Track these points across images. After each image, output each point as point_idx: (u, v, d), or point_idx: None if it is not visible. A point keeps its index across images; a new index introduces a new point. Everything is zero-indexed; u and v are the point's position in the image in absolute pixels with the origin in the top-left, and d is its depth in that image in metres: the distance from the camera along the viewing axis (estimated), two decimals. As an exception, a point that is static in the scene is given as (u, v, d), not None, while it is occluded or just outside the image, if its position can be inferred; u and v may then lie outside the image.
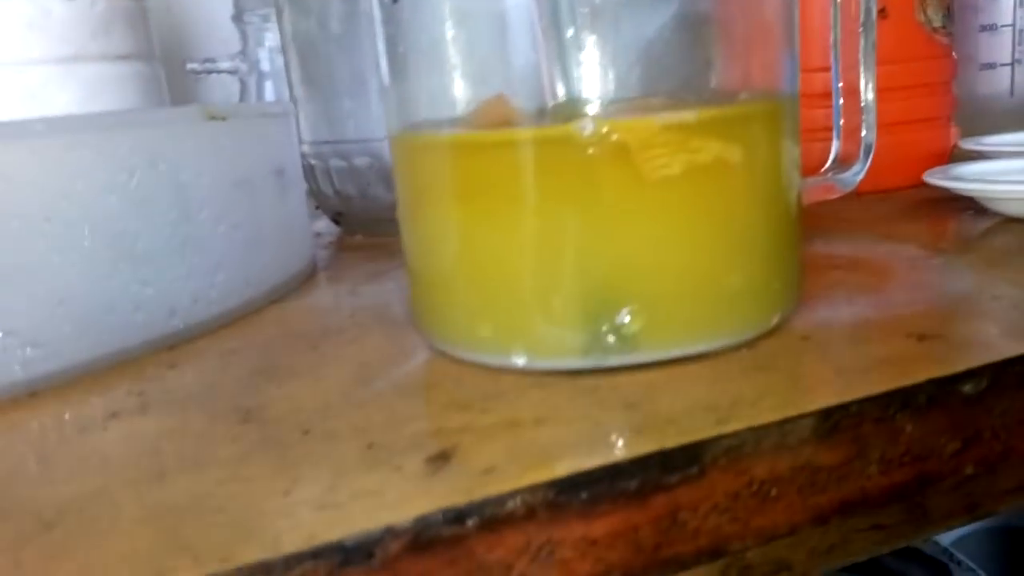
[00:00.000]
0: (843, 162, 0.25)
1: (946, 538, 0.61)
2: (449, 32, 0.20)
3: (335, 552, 0.12)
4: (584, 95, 0.18)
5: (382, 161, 0.37)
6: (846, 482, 0.16)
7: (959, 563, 0.56)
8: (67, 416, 0.19)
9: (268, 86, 0.64)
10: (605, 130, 0.16)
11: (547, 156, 0.17)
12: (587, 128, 0.16)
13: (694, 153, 0.16)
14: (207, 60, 0.63)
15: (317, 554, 0.12)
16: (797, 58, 0.19)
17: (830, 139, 0.25)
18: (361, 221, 0.41)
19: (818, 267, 0.25)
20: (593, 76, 0.19)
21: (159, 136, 0.24)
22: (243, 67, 0.64)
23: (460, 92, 0.20)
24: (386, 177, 0.38)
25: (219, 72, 0.64)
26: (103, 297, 0.22)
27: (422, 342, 0.22)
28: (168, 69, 0.54)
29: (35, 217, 0.21)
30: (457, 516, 0.13)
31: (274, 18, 0.64)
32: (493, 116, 0.19)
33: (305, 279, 0.32)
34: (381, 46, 0.20)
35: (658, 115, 0.16)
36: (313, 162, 0.40)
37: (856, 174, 0.24)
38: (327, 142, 0.39)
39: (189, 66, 0.63)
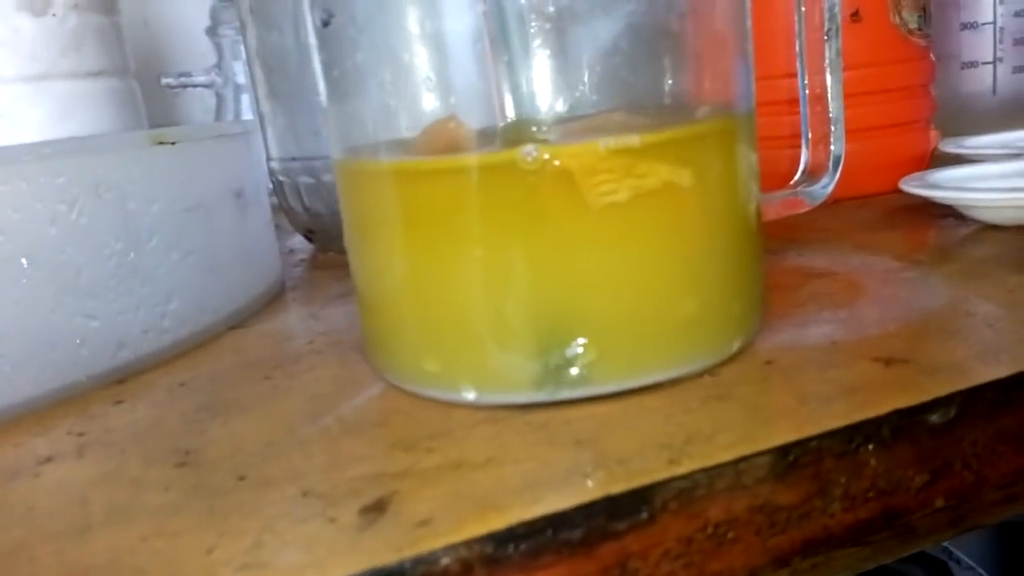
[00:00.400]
0: (812, 172, 0.24)
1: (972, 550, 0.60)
2: (391, 51, 0.19)
3: (251, 621, 0.12)
4: (535, 113, 0.17)
5: (351, 177, 0.37)
6: (807, 521, 0.15)
7: (959, 561, 0.56)
8: (4, 461, 0.18)
9: (245, 99, 0.63)
10: (547, 156, 0.15)
11: (490, 183, 0.16)
12: (529, 155, 0.15)
13: (641, 178, 0.16)
14: (182, 74, 0.63)
15: (231, 623, 0.11)
16: (752, 69, 0.19)
17: (798, 147, 0.25)
18: (331, 237, 0.40)
19: (789, 282, 0.25)
20: (544, 93, 0.18)
21: (103, 163, 0.23)
22: (219, 80, 0.63)
23: (406, 112, 0.19)
24: (355, 193, 0.37)
25: (194, 86, 0.63)
26: (45, 333, 0.21)
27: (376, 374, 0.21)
28: (145, 84, 0.54)
29: (-31, 252, 0.20)
30: (386, 576, 0.12)
31: (250, 30, 0.63)
32: (442, 137, 0.18)
33: (271, 299, 0.31)
34: (318, 69, 0.19)
35: (601, 140, 0.15)
36: (282, 178, 0.39)
37: (824, 187, 0.23)
38: (294, 158, 0.38)
39: (164, 81, 0.62)
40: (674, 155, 0.16)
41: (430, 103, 0.19)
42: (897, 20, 0.36)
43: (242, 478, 0.16)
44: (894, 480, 0.15)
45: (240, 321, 0.28)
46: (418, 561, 0.12)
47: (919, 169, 0.35)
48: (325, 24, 0.17)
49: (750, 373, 0.18)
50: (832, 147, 0.24)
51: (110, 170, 0.23)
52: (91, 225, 0.22)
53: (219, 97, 0.63)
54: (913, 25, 0.36)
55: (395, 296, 0.18)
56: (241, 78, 0.63)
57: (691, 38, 0.18)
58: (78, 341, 0.22)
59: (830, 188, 0.23)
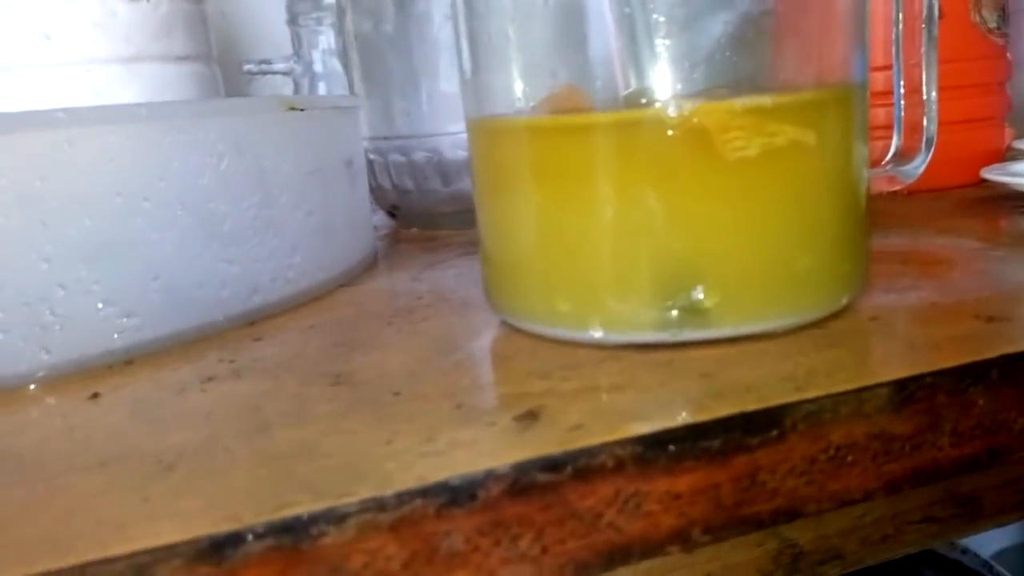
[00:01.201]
0: (903, 156, 0.25)
1: (986, 551, 0.60)
2: (524, 25, 0.21)
3: (442, 491, 0.13)
4: (651, 88, 0.19)
5: (440, 156, 0.39)
6: (919, 452, 0.16)
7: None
8: (165, 380, 0.20)
9: (321, 87, 0.66)
10: (687, 112, 0.17)
11: (627, 139, 0.18)
12: (671, 110, 0.17)
13: (770, 136, 0.17)
14: (263, 61, 0.65)
15: (426, 493, 0.13)
16: (867, 50, 0.20)
17: (889, 137, 0.26)
18: (416, 214, 0.42)
19: (879, 258, 0.26)
20: (663, 69, 0.19)
21: (244, 124, 0.25)
22: (297, 68, 0.66)
23: (533, 82, 0.21)
24: (443, 172, 0.39)
25: (274, 73, 0.66)
26: (194, 273, 0.23)
27: (493, 320, 0.23)
28: (223, 71, 0.56)
29: (135, 196, 0.22)
30: (552, 464, 0.14)
31: (327, 21, 0.66)
32: (563, 105, 0.20)
33: (368, 267, 0.33)
34: (464, 37, 0.21)
35: (737, 99, 0.17)
36: (372, 157, 0.41)
37: (918, 166, 0.25)
38: (386, 137, 0.40)
39: (245, 67, 0.65)
40: (800, 116, 0.17)
41: (558, 73, 0.20)
42: (977, 19, 0.37)
43: (397, 394, 0.18)
44: (999, 420, 0.17)
45: (348, 280, 0.30)
46: (581, 452, 0.14)
47: (994, 163, 0.36)
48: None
49: (857, 326, 0.19)
50: (925, 129, 0.25)
51: (250, 130, 0.25)
52: (234, 179, 0.24)
53: (296, 84, 0.66)
54: (992, 24, 0.37)
55: (530, 242, 0.19)
56: (318, 66, 0.65)
57: (810, 22, 0.19)
58: (220, 283, 0.24)
59: (923, 166, 0.24)
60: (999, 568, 0.55)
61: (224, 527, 0.12)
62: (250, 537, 0.12)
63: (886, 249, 0.27)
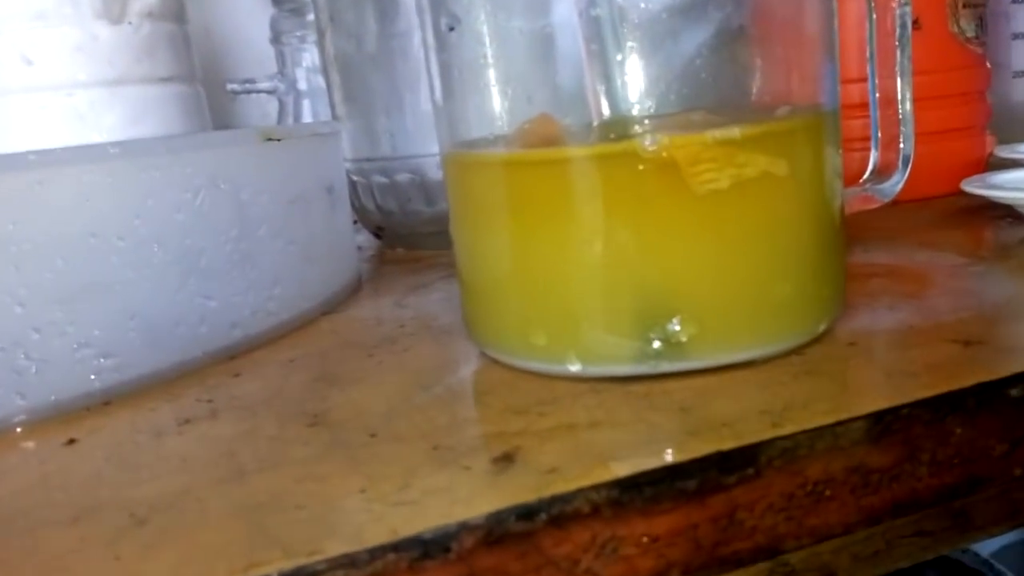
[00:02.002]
0: (881, 172, 0.25)
1: (986, 549, 0.60)
2: (498, 55, 0.21)
3: (415, 546, 0.13)
4: (625, 112, 0.19)
5: (423, 177, 0.39)
6: (897, 483, 0.16)
7: (1000, 574, 0.56)
8: (142, 423, 0.20)
9: (305, 105, 0.66)
10: (657, 146, 0.17)
11: (599, 172, 0.18)
12: (650, 144, 0.17)
13: (741, 167, 0.17)
14: (247, 80, 0.65)
15: (398, 547, 0.13)
16: (837, 71, 0.20)
17: (867, 150, 0.26)
18: (401, 235, 0.42)
19: (858, 275, 0.26)
20: (636, 93, 0.19)
21: (220, 157, 0.25)
22: (281, 87, 0.66)
23: (507, 111, 0.21)
24: (426, 193, 0.39)
25: (258, 92, 0.66)
26: (171, 310, 0.23)
27: (473, 350, 0.23)
28: (207, 90, 0.56)
29: (110, 235, 0.22)
30: (527, 512, 0.14)
31: (311, 39, 0.65)
32: (538, 134, 0.20)
33: (352, 292, 0.33)
34: (435, 70, 0.21)
35: (705, 132, 0.17)
36: (355, 178, 0.41)
37: (895, 184, 0.25)
38: (369, 159, 0.40)
39: (229, 87, 0.65)
40: (771, 146, 0.17)
41: (532, 101, 0.20)
42: (955, 28, 0.37)
43: (373, 435, 0.17)
44: (978, 448, 0.17)
45: (331, 308, 0.30)
46: (555, 500, 0.14)
47: (976, 173, 0.36)
48: (451, 29, 0.19)
49: (835, 352, 0.19)
50: (902, 146, 0.25)
51: (227, 163, 0.25)
52: (211, 213, 0.24)
53: (281, 103, 0.66)
54: (971, 33, 0.37)
55: (505, 275, 0.19)
56: (303, 84, 0.65)
57: (779, 42, 0.19)
58: (199, 319, 0.24)
59: (900, 185, 0.24)
60: (999, 566, 0.55)
61: (193, 589, 0.12)
62: (219, 599, 0.12)
63: (866, 264, 0.27)
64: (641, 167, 0.17)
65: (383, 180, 0.40)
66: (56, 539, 0.15)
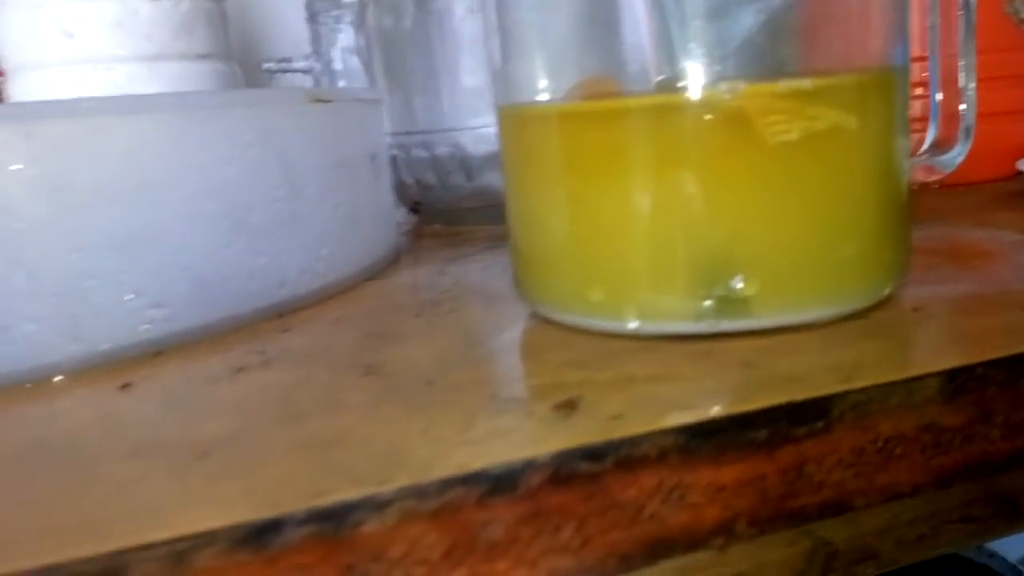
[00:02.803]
0: (940, 145, 0.25)
1: (1013, 554, 0.59)
2: (556, 16, 0.20)
3: (483, 480, 0.13)
4: (686, 74, 0.19)
5: (463, 151, 0.38)
6: (969, 444, 0.16)
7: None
8: (195, 371, 0.20)
9: (340, 85, 0.66)
10: (726, 96, 0.16)
11: (665, 124, 0.17)
12: (710, 93, 0.16)
13: (812, 120, 0.17)
14: (283, 60, 0.66)
15: (467, 481, 0.13)
16: (908, 28, 0.19)
17: (925, 130, 0.25)
18: (439, 210, 0.42)
19: (918, 250, 0.25)
20: (697, 55, 0.19)
21: (269, 115, 0.25)
22: (317, 67, 0.66)
23: (564, 73, 0.20)
24: (466, 166, 0.39)
25: (294, 71, 0.66)
26: (221, 264, 0.23)
27: (522, 312, 0.22)
28: (241, 69, 0.57)
29: (163, 186, 0.22)
30: (594, 454, 0.14)
31: (346, 19, 0.66)
32: (592, 92, 0.20)
33: (391, 261, 0.33)
34: (494, 27, 0.21)
35: (779, 82, 0.16)
36: (394, 152, 0.41)
37: (957, 155, 0.24)
38: (408, 132, 0.40)
39: (265, 65, 0.65)
40: (842, 100, 0.17)
41: (585, 65, 0.20)
42: (1009, 9, 0.36)
43: (430, 383, 0.17)
44: (1052, 412, 0.16)
45: (372, 274, 0.30)
46: (623, 442, 0.14)
47: (1027, 157, 0.35)
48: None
49: (901, 316, 0.19)
50: (963, 118, 0.24)
51: (276, 121, 0.25)
52: (260, 170, 0.24)
53: (316, 82, 0.66)
54: (1026, 15, 0.36)
55: (562, 231, 0.19)
56: (338, 64, 0.65)
57: (848, 8, 0.19)
58: (247, 275, 0.24)
59: (962, 156, 0.24)
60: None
61: (263, 513, 0.12)
62: (290, 524, 0.12)
63: (923, 241, 0.27)
64: (709, 117, 0.17)
65: (423, 154, 0.39)
66: (118, 470, 0.15)
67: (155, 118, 0.22)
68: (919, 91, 0.30)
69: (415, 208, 0.43)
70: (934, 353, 0.17)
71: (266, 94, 0.31)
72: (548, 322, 0.21)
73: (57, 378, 0.20)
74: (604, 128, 0.18)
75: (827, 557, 0.18)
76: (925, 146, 0.25)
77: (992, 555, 0.57)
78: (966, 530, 0.20)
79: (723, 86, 0.17)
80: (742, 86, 0.17)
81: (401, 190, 0.42)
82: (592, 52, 0.21)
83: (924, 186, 0.26)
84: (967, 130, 0.24)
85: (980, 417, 0.16)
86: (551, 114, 0.19)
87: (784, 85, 0.17)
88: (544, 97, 0.20)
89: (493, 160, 0.38)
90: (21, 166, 0.20)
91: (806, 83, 0.17)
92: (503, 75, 0.21)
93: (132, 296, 0.22)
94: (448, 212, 0.41)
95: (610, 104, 0.18)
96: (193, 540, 0.12)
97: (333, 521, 0.12)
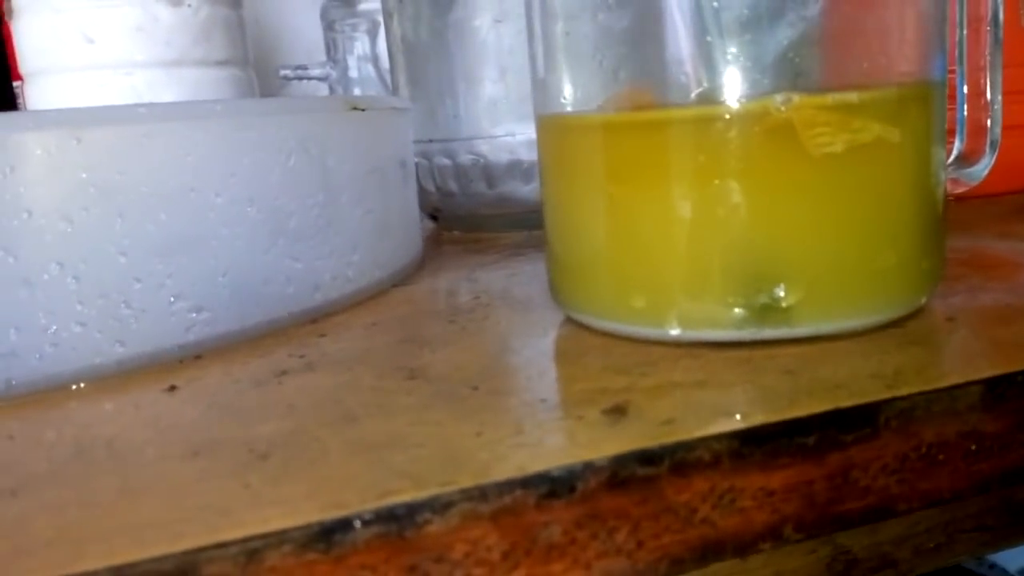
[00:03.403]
0: (966, 158, 0.25)
1: (1013, 565, 0.59)
2: (598, 27, 0.21)
3: (543, 482, 0.13)
4: (724, 87, 0.19)
5: (485, 159, 0.39)
6: (1008, 451, 0.16)
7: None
8: (239, 373, 0.21)
9: (356, 92, 0.67)
10: (772, 107, 0.17)
11: (708, 134, 0.18)
12: (756, 104, 0.17)
13: (856, 132, 0.17)
14: (299, 67, 0.66)
15: (527, 483, 0.13)
16: (947, 43, 0.20)
17: (950, 142, 0.26)
18: (459, 217, 0.42)
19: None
20: (736, 68, 0.19)
21: (310, 122, 0.25)
22: (333, 74, 0.67)
23: (603, 85, 0.21)
24: (488, 174, 0.39)
25: (310, 79, 0.67)
26: (261, 269, 0.24)
27: (557, 318, 0.23)
28: (257, 75, 0.57)
29: (208, 191, 0.22)
30: (650, 457, 0.14)
31: (362, 27, 0.66)
32: (636, 102, 0.20)
33: (416, 268, 0.33)
34: (537, 37, 0.21)
35: (825, 95, 0.17)
36: (417, 159, 0.41)
37: (983, 168, 0.24)
38: (431, 140, 0.40)
39: (282, 72, 0.66)
40: (886, 113, 0.17)
41: (623, 78, 0.20)
42: (1030, 24, 0.36)
43: (475, 388, 0.18)
44: (1090, 422, 0.16)
45: (400, 280, 0.30)
46: (678, 446, 0.14)
47: (1047, 170, 0.36)
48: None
49: (935, 325, 0.19)
50: (989, 131, 0.25)
51: (316, 128, 0.25)
52: (300, 176, 0.25)
53: (332, 90, 0.67)
54: (1045, 29, 0.37)
55: (603, 240, 0.19)
56: (353, 72, 0.66)
57: (888, 22, 0.19)
58: (285, 279, 0.24)
59: (988, 168, 0.24)
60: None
61: (332, 513, 0.12)
62: (358, 523, 0.12)
63: (949, 252, 0.27)
64: (756, 128, 0.17)
65: (445, 161, 0.40)
66: (178, 470, 0.15)
67: (204, 125, 0.22)
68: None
69: (435, 215, 0.43)
70: (972, 361, 0.17)
71: (307, 102, 0.31)
72: (583, 328, 0.21)
73: (103, 379, 0.21)
74: (648, 139, 0.18)
75: (846, 564, 0.19)
76: (951, 158, 0.25)
77: (992, 566, 0.57)
78: (981, 539, 0.21)
79: (770, 98, 0.17)
80: (788, 98, 0.17)
81: (421, 197, 0.43)
82: (632, 64, 0.21)
83: (945, 198, 0.26)
84: (993, 144, 0.25)
85: (1018, 425, 0.16)
86: (593, 124, 0.20)
87: (830, 98, 0.17)
88: (584, 107, 0.21)
89: (514, 168, 0.38)
90: (71, 170, 0.20)
91: (852, 96, 0.17)
92: (544, 84, 0.21)
93: (175, 299, 0.22)
94: (469, 219, 0.42)
95: (654, 115, 0.18)
96: (264, 539, 0.12)
97: (398, 522, 0.13)
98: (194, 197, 0.22)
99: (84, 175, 0.20)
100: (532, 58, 0.22)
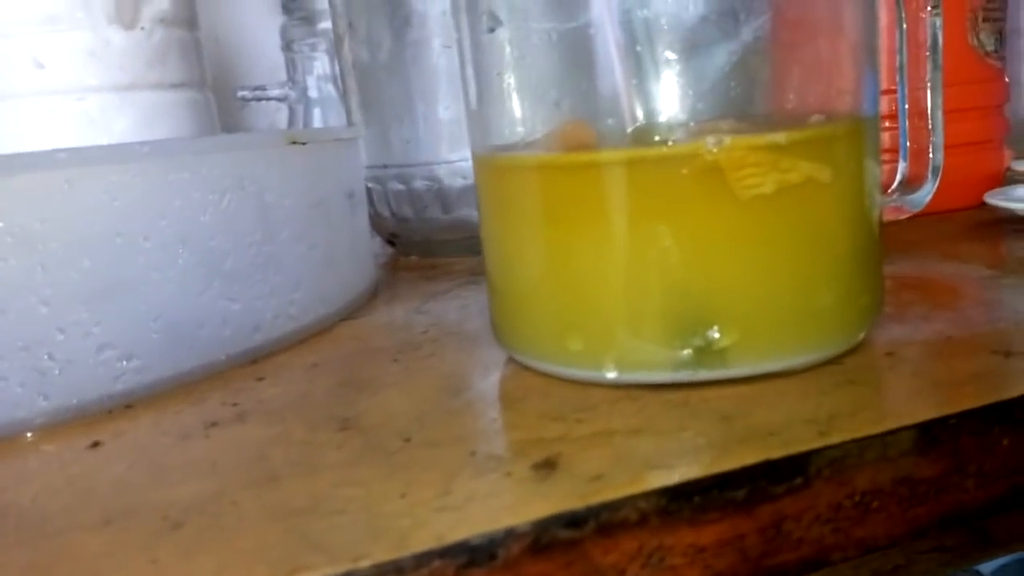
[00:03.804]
0: (910, 183, 0.25)
1: (987, 567, 0.59)
2: (533, 58, 0.20)
3: (462, 552, 0.13)
4: (658, 120, 0.19)
5: (439, 184, 0.38)
6: (944, 495, 0.16)
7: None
8: (167, 425, 0.20)
9: (316, 113, 0.66)
10: (700, 150, 0.17)
11: (640, 177, 0.18)
12: (684, 147, 0.16)
13: (785, 173, 0.17)
14: (257, 88, 0.65)
15: (444, 553, 0.13)
16: (878, 78, 0.20)
17: (895, 160, 0.26)
18: (416, 242, 0.41)
19: (887, 286, 0.26)
20: (670, 101, 0.19)
21: (247, 159, 0.25)
22: (292, 94, 0.66)
23: (539, 116, 0.20)
24: (443, 199, 0.39)
25: (269, 99, 0.66)
26: (195, 312, 0.23)
27: (500, 357, 0.22)
28: (216, 96, 0.56)
29: (136, 235, 0.22)
30: (574, 520, 0.13)
31: (322, 47, 0.65)
32: (573, 138, 0.20)
33: (369, 298, 0.32)
34: (469, 73, 0.21)
35: (751, 136, 0.17)
36: (371, 185, 0.41)
37: (925, 195, 0.24)
38: (385, 166, 0.40)
39: (240, 93, 0.65)
40: (815, 152, 0.17)
41: (562, 108, 0.20)
42: (975, 42, 0.37)
43: (407, 440, 0.17)
44: (1024, 461, 0.16)
45: (349, 314, 0.30)
46: (603, 507, 0.14)
47: (994, 186, 0.36)
48: (491, 30, 0.19)
49: (874, 362, 0.19)
50: (931, 157, 0.25)
51: (253, 165, 0.25)
52: (236, 215, 0.24)
53: (291, 111, 0.66)
54: (990, 47, 0.37)
55: (540, 280, 0.19)
56: (313, 92, 0.65)
57: (819, 51, 0.19)
58: (222, 322, 0.24)
59: (930, 195, 0.24)
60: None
61: (237, 595, 0.12)
62: (264, 605, 0.12)
63: (893, 276, 0.27)
64: (684, 171, 0.17)
65: (399, 187, 0.39)
66: (88, 543, 0.14)
67: (131, 168, 0.22)
68: (886, 123, 0.30)
69: (391, 240, 0.43)
70: (908, 402, 0.17)
71: (243, 139, 0.30)
72: (526, 368, 0.21)
73: (26, 435, 0.20)
74: (579, 180, 0.18)
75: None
76: (894, 185, 0.25)
77: (967, 568, 0.57)
78: (940, 559, 0.21)
79: (700, 140, 0.17)
80: (715, 140, 0.17)
81: (377, 222, 0.42)
82: (568, 96, 0.21)
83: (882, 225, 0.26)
84: (935, 169, 0.25)
85: (954, 467, 0.16)
86: (527, 164, 0.19)
87: (756, 140, 0.17)
88: (519, 141, 0.21)
89: (470, 193, 0.38)
90: (-13, 220, 0.19)
91: (779, 136, 0.17)
92: (479, 118, 0.21)
93: (102, 348, 0.21)
94: (425, 244, 0.41)
95: (584, 157, 0.18)
96: (164, 624, 0.12)
97: (309, 599, 0.12)
98: (120, 242, 0.21)
99: (2, 224, 0.20)
100: (465, 92, 0.21)
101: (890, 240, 0.33)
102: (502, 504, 0.14)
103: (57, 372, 0.20)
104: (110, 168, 0.21)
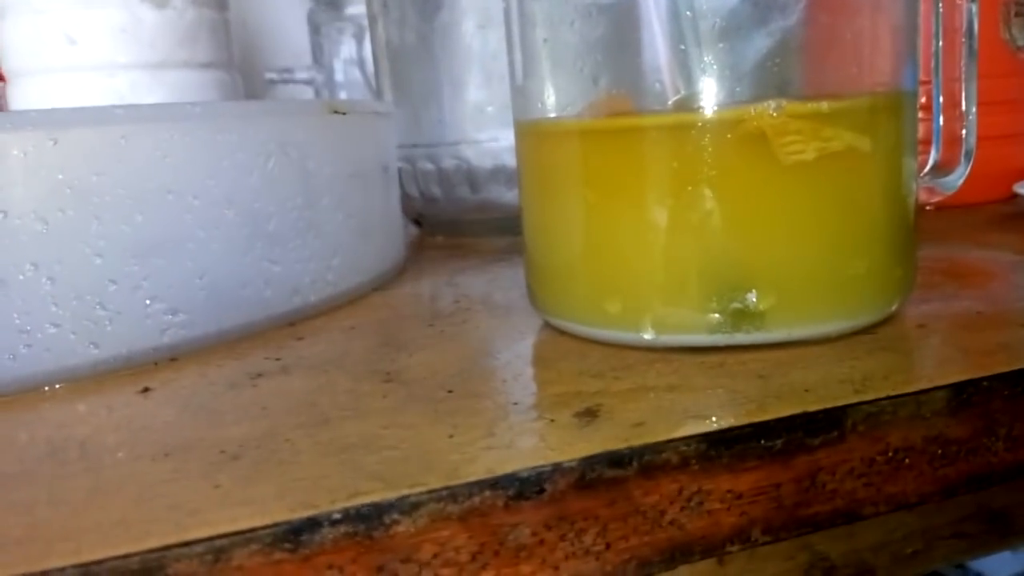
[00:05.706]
0: (942, 167, 0.26)
1: (1002, 573, 0.59)
2: (577, 31, 0.21)
3: (511, 483, 0.13)
4: (702, 94, 0.19)
5: (468, 163, 0.39)
6: (974, 456, 0.16)
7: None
8: (214, 375, 0.21)
9: (342, 96, 0.67)
10: (745, 116, 0.17)
11: (684, 142, 0.18)
12: (729, 113, 0.17)
13: (826, 141, 0.17)
14: (285, 70, 0.66)
15: (496, 484, 0.13)
16: (918, 59, 0.20)
17: (927, 152, 0.26)
18: (443, 222, 0.42)
19: (919, 269, 0.26)
20: (713, 76, 0.20)
21: (290, 125, 0.25)
22: (319, 77, 0.67)
23: (582, 90, 0.21)
24: (472, 179, 0.39)
25: (296, 82, 0.67)
26: (239, 272, 0.24)
27: (535, 323, 0.23)
28: (242, 78, 0.57)
29: (185, 193, 0.22)
30: (618, 459, 0.14)
31: (349, 31, 0.66)
32: (612, 109, 0.20)
33: (398, 272, 0.33)
34: (516, 44, 0.21)
35: (795, 104, 0.17)
36: (400, 164, 0.41)
37: (958, 178, 0.25)
38: (415, 145, 0.40)
39: (268, 75, 0.66)
40: (856, 122, 0.18)
41: (606, 78, 0.21)
42: (1007, 36, 0.37)
43: (450, 391, 0.18)
44: (1054, 426, 0.17)
45: (380, 284, 0.30)
46: (646, 448, 0.14)
47: (1022, 179, 0.36)
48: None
49: (906, 332, 0.19)
50: (964, 141, 0.25)
51: (296, 131, 0.25)
52: (279, 179, 0.25)
53: (317, 93, 0.67)
54: (1021, 42, 0.37)
55: (579, 245, 0.20)
56: (339, 75, 0.66)
57: (860, 32, 0.20)
58: (263, 282, 0.24)
59: (963, 178, 0.25)
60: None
61: (300, 513, 0.13)
62: (326, 524, 0.12)
63: (924, 260, 0.27)
64: (728, 136, 0.17)
65: (429, 166, 0.40)
66: (150, 470, 0.15)
67: (182, 127, 0.22)
68: (920, 115, 0.30)
69: (418, 221, 0.43)
70: (940, 367, 0.17)
71: (287, 105, 0.31)
72: (560, 333, 0.21)
73: (77, 382, 0.21)
74: (624, 145, 0.19)
75: (824, 571, 0.19)
76: (927, 168, 0.26)
77: (979, 575, 0.57)
78: (958, 546, 0.21)
79: (743, 106, 0.17)
80: (760, 107, 0.17)
81: (405, 202, 0.43)
82: (611, 71, 0.21)
83: (921, 207, 0.27)
84: (968, 153, 0.25)
85: (984, 429, 0.16)
86: (571, 130, 0.20)
87: (801, 107, 0.17)
88: (562, 113, 0.21)
89: (498, 173, 0.39)
90: (47, 172, 0.20)
91: (823, 105, 0.17)
92: (523, 91, 0.22)
93: (151, 302, 0.22)
94: (452, 224, 0.42)
95: (630, 121, 0.19)
96: (231, 539, 0.12)
97: (366, 522, 0.13)
98: (171, 199, 0.22)
99: (60, 176, 0.20)
100: (511, 64, 0.22)
101: (921, 230, 0.33)
102: (548, 445, 0.14)
103: (108, 322, 0.21)
104: (163, 126, 0.22)
